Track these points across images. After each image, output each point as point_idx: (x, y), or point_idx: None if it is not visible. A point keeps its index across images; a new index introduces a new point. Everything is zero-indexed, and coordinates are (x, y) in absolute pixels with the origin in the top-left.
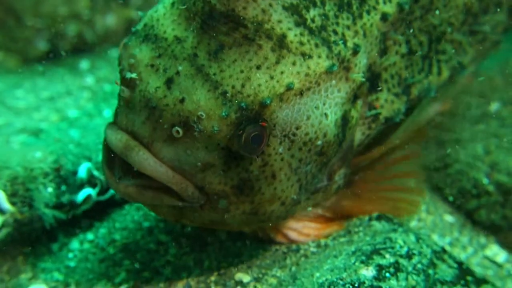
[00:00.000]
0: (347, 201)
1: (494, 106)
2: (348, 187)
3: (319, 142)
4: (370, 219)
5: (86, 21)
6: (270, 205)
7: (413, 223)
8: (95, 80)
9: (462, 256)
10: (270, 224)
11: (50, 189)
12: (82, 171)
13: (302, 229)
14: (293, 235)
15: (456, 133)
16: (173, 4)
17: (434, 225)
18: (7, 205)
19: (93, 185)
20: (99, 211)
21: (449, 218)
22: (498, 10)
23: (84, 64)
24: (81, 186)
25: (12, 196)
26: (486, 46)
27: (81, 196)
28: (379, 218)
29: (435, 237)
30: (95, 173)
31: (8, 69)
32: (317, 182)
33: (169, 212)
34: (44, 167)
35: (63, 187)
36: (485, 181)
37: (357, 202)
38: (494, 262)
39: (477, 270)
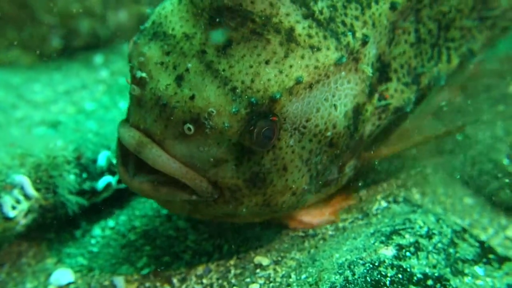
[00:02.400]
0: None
1: None
2: (356, 179)
3: (328, 133)
4: (388, 202)
5: (99, 17)
6: (281, 196)
7: (431, 206)
8: (110, 73)
9: (482, 237)
10: (281, 214)
11: (72, 176)
12: (102, 159)
13: (314, 212)
14: (306, 218)
15: (475, 114)
16: (180, 0)
17: (453, 207)
18: (32, 191)
19: (113, 173)
20: (119, 198)
21: (468, 200)
22: None
23: (98, 58)
24: (101, 174)
25: (36, 182)
26: (496, 32)
27: (101, 183)
28: (396, 201)
29: (454, 219)
30: (115, 161)
31: (24, 65)
32: (328, 174)
33: (182, 207)
34: (66, 155)
35: (84, 175)
36: (505, 161)
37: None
38: None
39: (499, 250)
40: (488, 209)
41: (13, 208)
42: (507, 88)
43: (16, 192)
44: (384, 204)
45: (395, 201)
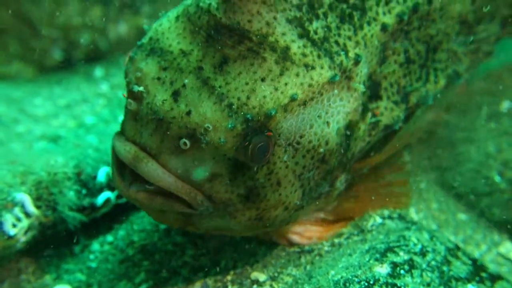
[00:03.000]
0: (347, 203)
1: (505, 104)
2: (347, 190)
3: (321, 150)
4: (383, 218)
5: (99, 30)
6: (274, 211)
7: (426, 222)
8: (110, 87)
9: (475, 253)
10: (273, 229)
11: (72, 193)
12: (101, 175)
13: (304, 233)
14: (295, 238)
15: (468, 132)
16: (177, 17)
17: (447, 223)
18: (32, 209)
19: (112, 189)
20: (117, 214)
21: (462, 216)
22: (492, 21)
23: (98, 71)
24: (100, 189)
25: (37, 200)
26: (479, 56)
27: (100, 199)
28: (391, 217)
29: (448, 235)
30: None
31: (25, 78)
32: (320, 189)
33: (176, 220)
34: (67, 171)
35: (84, 191)
36: (497, 179)
37: (357, 203)
38: (508, 259)
39: (491, 267)
40: (482, 225)
41: (14, 226)
42: (497, 106)
43: (17, 210)
44: (379, 220)
45: (390, 217)
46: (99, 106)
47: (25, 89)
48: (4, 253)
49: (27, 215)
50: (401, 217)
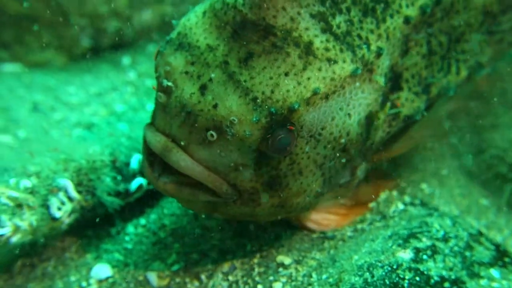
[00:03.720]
0: (364, 188)
1: None
2: (366, 181)
3: (342, 140)
4: (405, 204)
5: (125, 18)
6: (296, 198)
7: (448, 207)
8: (137, 75)
9: (498, 238)
10: (295, 214)
11: (108, 179)
12: (134, 163)
13: (321, 221)
14: (313, 226)
15: (492, 118)
16: (204, 13)
17: (469, 208)
18: (74, 194)
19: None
20: (149, 198)
21: (484, 201)
22: None
23: (125, 60)
24: (133, 176)
25: (78, 185)
26: (503, 46)
27: (134, 185)
28: (413, 203)
29: (470, 220)
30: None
31: (57, 66)
32: (340, 177)
33: (203, 207)
34: (104, 159)
35: (119, 177)
36: None
37: (373, 186)
38: None
39: None
40: (504, 210)
41: (59, 209)
42: None
43: (61, 194)
44: (401, 206)
45: (412, 204)
46: (128, 94)
47: (58, 77)
48: (51, 233)
49: (70, 199)
50: (423, 204)
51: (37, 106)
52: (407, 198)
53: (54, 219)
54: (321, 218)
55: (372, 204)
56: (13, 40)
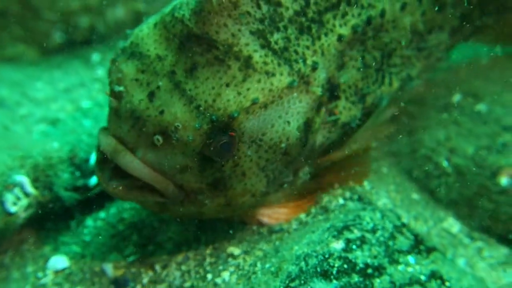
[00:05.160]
0: (311, 185)
1: (456, 97)
2: (312, 180)
3: (283, 145)
4: (345, 199)
5: (97, 14)
6: (241, 198)
7: (383, 201)
8: (106, 72)
9: (424, 228)
10: (242, 212)
11: (66, 175)
12: (93, 159)
13: (272, 214)
14: (264, 219)
15: (424, 121)
16: (155, 25)
17: (401, 202)
18: (31, 189)
19: None
20: None
21: (415, 196)
22: (441, 31)
23: (95, 56)
24: (92, 172)
25: (34, 181)
26: (432, 61)
27: (93, 180)
28: (352, 198)
29: (401, 212)
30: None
31: (28, 60)
32: (284, 177)
33: (154, 206)
34: (61, 156)
35: (78, 173)
36: (445, 163)
37: (319, 184)
38: (449, 233)
39: (436, 240)
40: (431, 204)
41: (14, 204)
42: (450, 98)
43: (16, 190)
44: (341, 201)
45: (351, 199)
46: (95, 91)
47: (27, 72)
48: (7, 227)
49: (26, 194)
50: (360, 198)
51: (2, 101)
52: (347, 193)
53: (9, 213)
54: (272, 212)
55: (304, 211)
56: None
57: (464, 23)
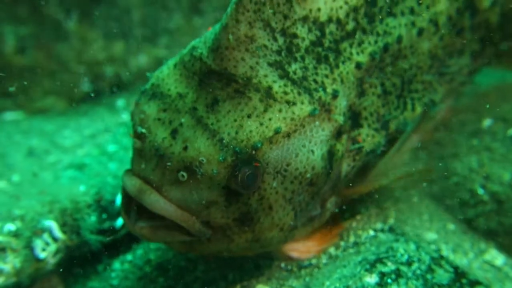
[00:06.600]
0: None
1: (486, 122)
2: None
3: (308, 175)
4: (375, 231)
5: (122, 63)
6: (269, 232)
7: (418, 232)
8: (130, 116)
9: (464, 261)
10: (272, 249)
11: (93, 218)
12: (119, 200)
13: (301, 248)
14: (294, 254)
15: (453, 147)
16: (175, 65)
17: (437, 233)
18: (59, 234)
19: None
20: None
21: (451, 226)
22: (461, 55)
23: (120, 102)
24: (119, 213)
25: (63, 225)
26: (454, 85)
27: (119, 222)
28: (383, 230)
29: (439, 244)
30: None
31: (58, 111)
32: (311, 209)
33: (180, 246)
34: (88, 200)
35: (104, 215)
36: (480, 191)
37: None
38: (493, 266)
39: (478, 273)
40: (469, 234)
41: (43, 250)
42: (480, 123)
43: (45, 235)
44: (372, 233)
45: (382, 230)
46: (120, 135)
47: (56, 122)
48: (37, 274)
49: (55, 239)
50: (392, 229)
51: (32, 150)
52: (378, 225)
53: (38, 260)
54: (301, 246)
55: (337, 240)
56: (17, 90)
57: (485, 47)
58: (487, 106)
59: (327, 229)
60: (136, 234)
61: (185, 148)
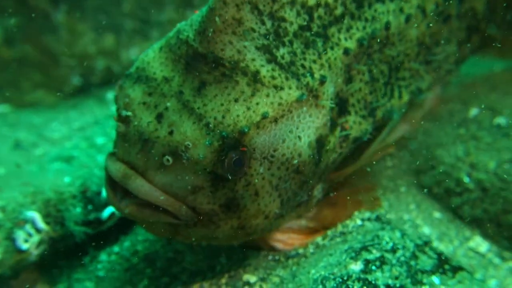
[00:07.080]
0: (327, 211)
1: (473, 111)
2: (325, 198)
3: (295, 161)
4: (363, 220)
5: (113, 56)
6: (255, 219)
7: (406, 217)
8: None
9: (449, 248)
10: (256, 237)
11: (78, 209)
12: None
13: (287, 240)
14: (279, 245)
15: (440, 137)
16: (161, 48)
17: (423, 221)
18: (42, 225)
19: None
20: (123, 225)
21: (437, 214)
22: (448, 43)
23: (110, 94)
24: (105, 205)
25: (46, 216)
26: (442, 74)
27: (105, 213)
28: (370, 219)
29: (425, 230)
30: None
31: (47, 104)
32: (298, 197)
33: (165, 230)
34: (72, 190)
35: (90, 207)
36: (466, 179)
37: (335, 209)
38: (477, 252)
39: (463, 260)
40: (455, 222)
41: (26, 241)
42: (467, 112)
43: (28, 227)
44: (359, 222)
45: (369, 219)
46: (109, 127)
47: (45, 115)
48: (19, 265)
49: (38, 230)
50: (378, 218)
51: (19, 143)
52: (366, 214)
53: (20, 251)
54: (287, 238)
55: (322, 236)
56: (5, 83)
57: (472, 35)
58: (475, 95)
59: (316, 225)
60: (121, 212)
61: (171, 133)
